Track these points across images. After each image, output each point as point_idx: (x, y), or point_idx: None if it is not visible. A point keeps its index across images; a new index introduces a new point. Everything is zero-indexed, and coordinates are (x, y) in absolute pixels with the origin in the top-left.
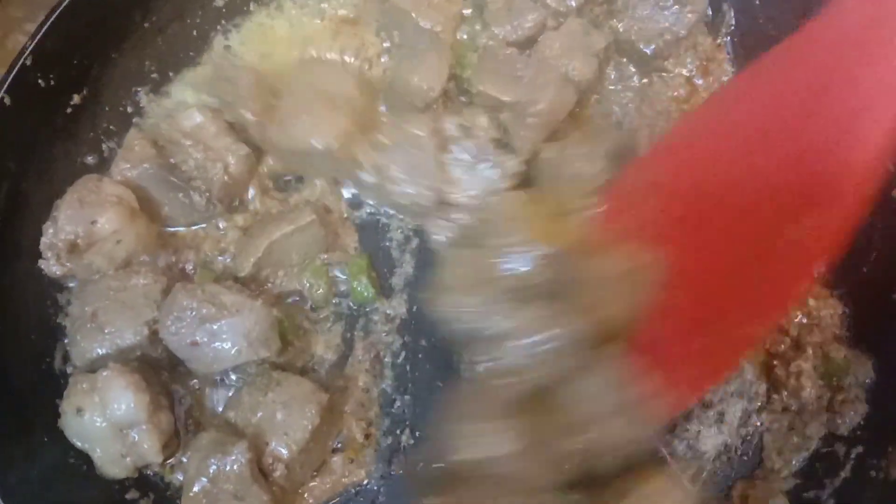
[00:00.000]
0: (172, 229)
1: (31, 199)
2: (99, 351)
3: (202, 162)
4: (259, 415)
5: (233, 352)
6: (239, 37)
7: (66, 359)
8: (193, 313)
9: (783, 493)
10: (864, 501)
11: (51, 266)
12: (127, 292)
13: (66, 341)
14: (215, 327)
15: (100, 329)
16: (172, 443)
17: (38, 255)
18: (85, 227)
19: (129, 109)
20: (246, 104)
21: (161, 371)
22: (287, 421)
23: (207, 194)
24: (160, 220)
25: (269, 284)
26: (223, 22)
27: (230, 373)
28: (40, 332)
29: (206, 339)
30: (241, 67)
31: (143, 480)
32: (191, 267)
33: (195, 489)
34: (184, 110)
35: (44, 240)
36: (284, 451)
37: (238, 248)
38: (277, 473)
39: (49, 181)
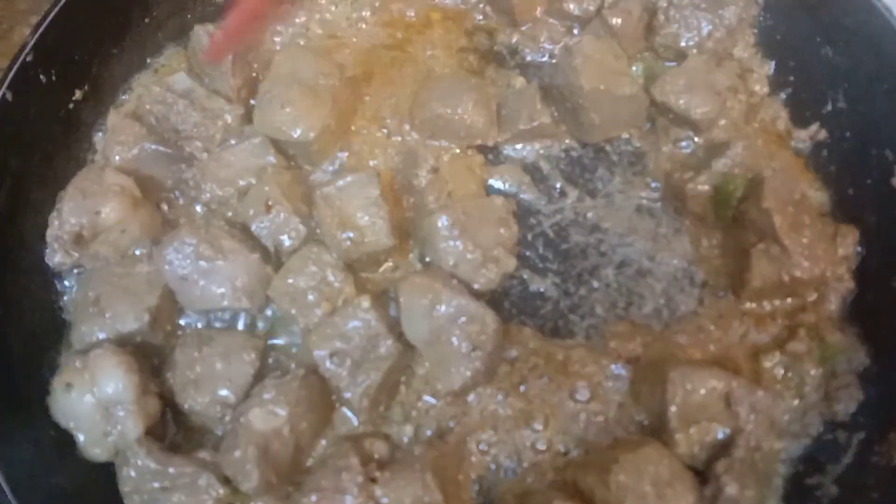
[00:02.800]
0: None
1: (34, 195)
2: (99, 335)
3: (201, 121)
4: (197, 369)
5: (218, 293)
6: None
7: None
8: (191, 249)
9: (782, 476)
10: (866, 487)
11: (57, 257)
12: (130, 279)
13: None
14: (207, 266)
15: (101, 314)
16: (157, 433)
17: (43, 249)
18: (89, 217)
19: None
20: (226, 79)
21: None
22: (229, 368)
23: (205, 154)
24: (166, 190)
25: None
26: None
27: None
28: (45, 325)
29: (195, 277)
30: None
31: None
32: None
33: None
34: (171, 75)
35: (49, 231)
36: (231, 396)
37: None
38: (228, 419)
39: (52, 177)
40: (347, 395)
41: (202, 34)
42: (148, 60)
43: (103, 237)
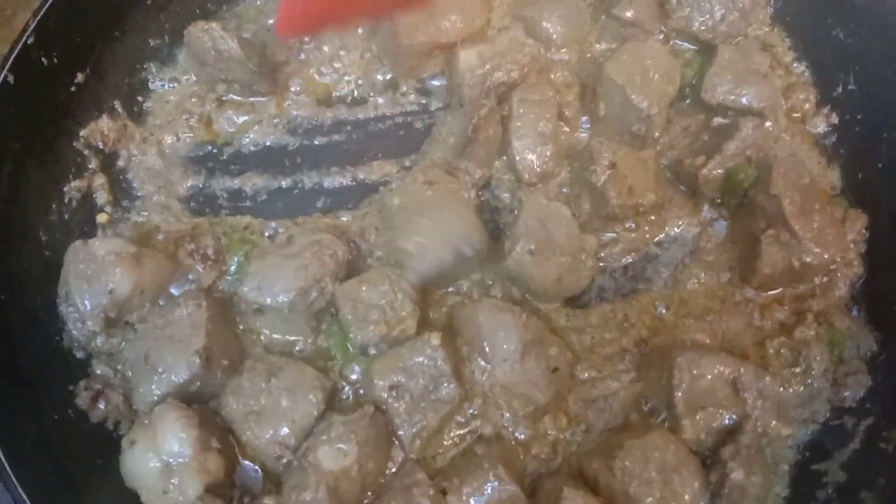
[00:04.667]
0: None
1: (35, 179)
2: (157, 392)
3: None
4: (262, 402)
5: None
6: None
7: (73, 341)
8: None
9: (789, 462)
10: (873, 473)
11: (103, 348)
12: (172, 326)
13: (130, 388)
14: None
15: (154, 370)
16: (222, 490)
17: (44, 234)
18: (105, 298)
19: (135, 86)
20: (243, 64)
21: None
22: (293, 407)
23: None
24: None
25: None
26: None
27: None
28: (47, 311)
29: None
30: (222, 38)
31: None
32: (211, 251)
33: None
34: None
35: (77, 329)
36: (292, 438)
37: None
38: (285, 460)
39: (53, 160)
40: (400, 432)
41: (196, 34)
42: (150, 41)
43: (128, 308)
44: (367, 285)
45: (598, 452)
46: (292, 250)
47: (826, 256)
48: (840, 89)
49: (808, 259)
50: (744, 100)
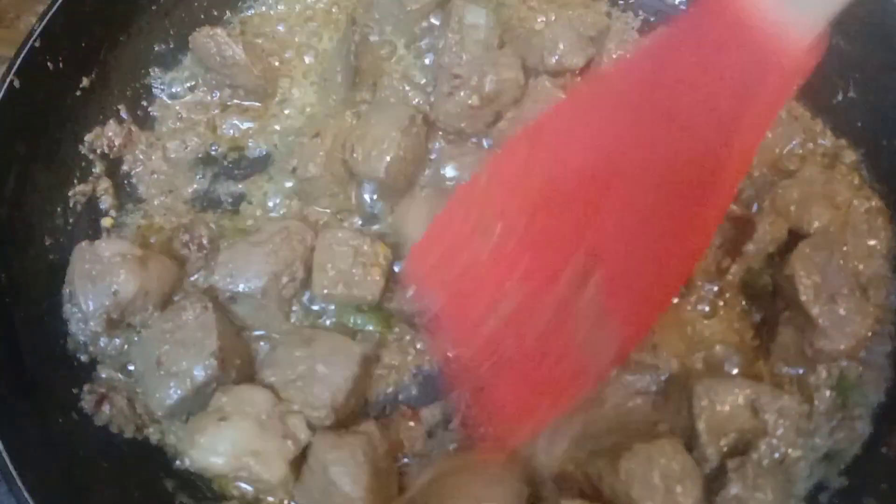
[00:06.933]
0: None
1: (41, 183)
2: (175, 395)
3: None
4: (299, 369)
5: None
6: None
7: (76, 343)
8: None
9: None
10: (874, 479)
11: (106, 350)
12: (182, 330)
13: (139, 391)
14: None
15: (168, 374)
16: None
17: (48, 238)
18: (109, 300)
19: (140, 91)
20: (248, 70)
21: None
22: (331, 372)
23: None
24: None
25: None
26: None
27: None
28: (52, 314)
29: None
30: (227, 44)
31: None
32: (206, 240)
33: None
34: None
35: (78, 330)
36: (330, 400)
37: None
38: (329, 422)
39: (59, 165)
40: None
41: (201, 39)
42: (156, 46)
43: (131, 310)
44: (329, 264)
45: (605, 453)
46: (261, 238)
47: (843, 347)
48: (840, 97)
49: (824, 347)
50: None
